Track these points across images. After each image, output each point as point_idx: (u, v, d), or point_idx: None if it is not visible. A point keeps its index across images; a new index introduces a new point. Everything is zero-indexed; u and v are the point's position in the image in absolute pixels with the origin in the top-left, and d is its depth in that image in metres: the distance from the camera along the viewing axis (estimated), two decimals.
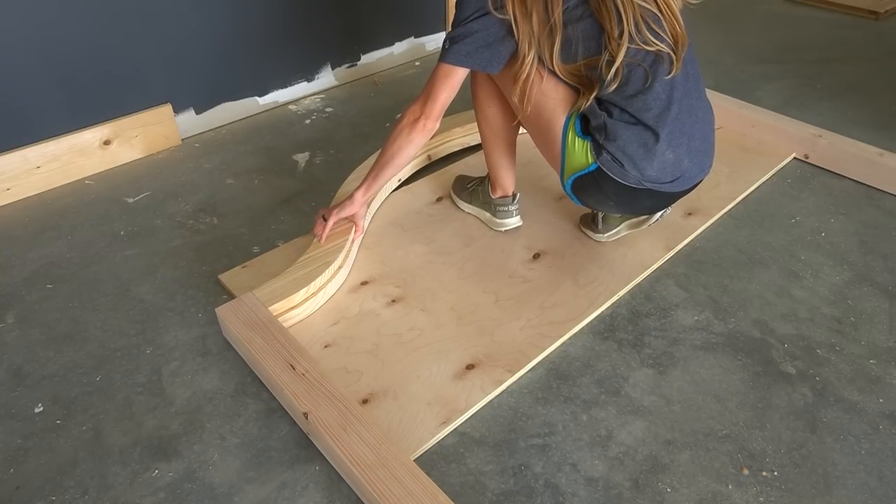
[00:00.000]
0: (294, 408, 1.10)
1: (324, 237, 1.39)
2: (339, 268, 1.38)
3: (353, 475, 0.99)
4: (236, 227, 1.60)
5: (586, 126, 1.24)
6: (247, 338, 1.19)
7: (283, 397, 1.13)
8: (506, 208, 1.52)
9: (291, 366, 1.14)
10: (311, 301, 1.31)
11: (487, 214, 1.56)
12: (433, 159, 1.81)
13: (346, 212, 1.41)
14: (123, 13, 1.70)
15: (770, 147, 1.87)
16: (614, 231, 1.48)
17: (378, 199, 1.61)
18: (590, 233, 1.52)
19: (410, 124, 1.28)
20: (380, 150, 1.37)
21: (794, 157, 1.85)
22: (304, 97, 2.20)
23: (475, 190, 1.59)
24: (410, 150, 1.31)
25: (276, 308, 1.25)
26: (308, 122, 2.07)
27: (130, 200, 1.69)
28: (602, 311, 1.35)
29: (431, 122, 1.27)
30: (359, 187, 1.40)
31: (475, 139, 1.84)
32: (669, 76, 1.17)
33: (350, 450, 1.00)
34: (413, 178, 1.74)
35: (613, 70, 1.14)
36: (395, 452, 1.00)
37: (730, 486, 1.04)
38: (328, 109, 2.14)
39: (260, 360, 1.15)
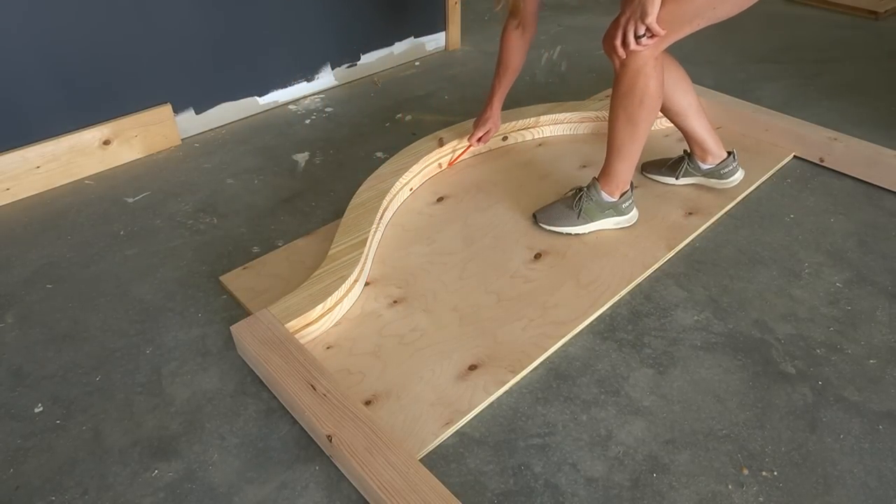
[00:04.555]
0: (316, 430, 1.05)
1: (483, 138, 1.74)
2: (356, 281, 1.35)
3: (381, 501, 0.94)
4: (236, 226, 1.60)
5: None
6: (264, 357, 1.14)
7: (304, 419, 1.09)
8: (630, 200, 1.54)
9: (312, 386, 1.10)
10: (327, 317, 1.28)
11: (616, 218, 1.54)
12: (443, 168, 1.78)
13: (485, 116, 1.71)
14: (123, 13, 1.70)
15: (769, 147, 1.87)
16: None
17: (390, 209, 1.61)
18: (659, 178, 1.71)
19: (504, 29, 1.57)
20: None
21: (794, 156, 1.85)
22: (304, 97, 2.20)
23: (587, 204, 1.52)
24: (510, 49, 1.59)
25: (292, 325, 1.22)
26: (308, 122, 2.07)
27: (130, 200, 1.69)
28: (602, 311, 1.35)
29: (521, 21, 1.53)
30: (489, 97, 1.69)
31: (488, 146, 1.84)
32: None
33: (378, 475, 0.96)
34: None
35: None
36: (426, 476, 0.95)
37: (730, 486, 1.04)
38: (328, 109, 2.14)
39: (279, 380, 1.11)
